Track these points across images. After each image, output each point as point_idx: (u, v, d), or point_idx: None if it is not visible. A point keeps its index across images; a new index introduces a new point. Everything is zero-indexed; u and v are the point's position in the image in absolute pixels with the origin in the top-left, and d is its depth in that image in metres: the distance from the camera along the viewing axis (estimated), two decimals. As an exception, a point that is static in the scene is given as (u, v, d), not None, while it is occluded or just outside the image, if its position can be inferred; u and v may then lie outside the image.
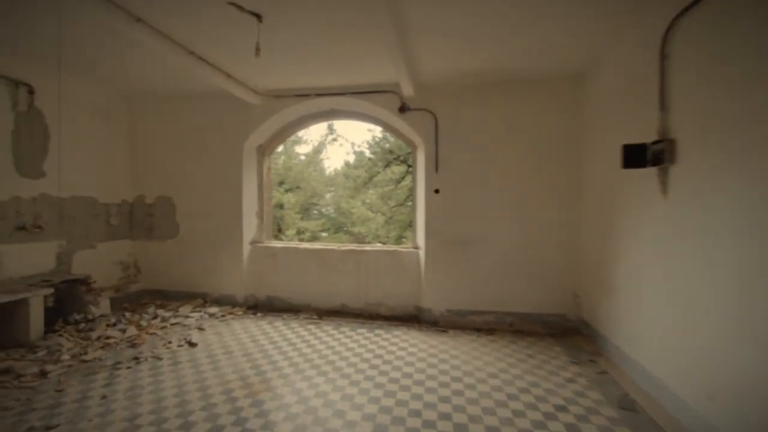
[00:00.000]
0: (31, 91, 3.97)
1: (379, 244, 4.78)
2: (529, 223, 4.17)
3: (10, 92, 3.82)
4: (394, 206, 9.95)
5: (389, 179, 10.02)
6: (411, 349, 3.53)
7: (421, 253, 4.54)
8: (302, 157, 17.09)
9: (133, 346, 3.51)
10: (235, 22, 2.87)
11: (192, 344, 3.55)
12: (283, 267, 4.91)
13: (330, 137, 16.91)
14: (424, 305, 4.42)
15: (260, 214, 5.20)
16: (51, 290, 3.67)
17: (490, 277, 4.24)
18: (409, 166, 9.50)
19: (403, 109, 4.33)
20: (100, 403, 2.51)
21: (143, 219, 5.25)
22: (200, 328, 4.02)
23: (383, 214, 10.98)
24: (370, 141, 10.24)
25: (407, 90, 4.06)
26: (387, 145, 9.79)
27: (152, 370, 3.02)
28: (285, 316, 4.51)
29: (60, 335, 3.59)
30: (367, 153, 10.59)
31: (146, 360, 3.20)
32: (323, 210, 18.41)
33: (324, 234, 17.56)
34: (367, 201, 11.90)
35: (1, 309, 3.39)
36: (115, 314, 4.35)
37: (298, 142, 16.95)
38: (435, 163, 4.34)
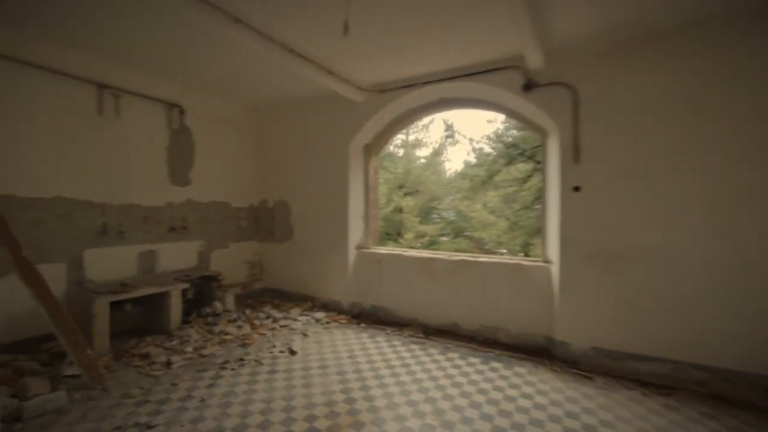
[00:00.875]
0: (181, 111, 4.60)
1: (497, 257, 3.94)
2: (740, 231, 2.75)
3: (166, 113, 4.47)
4: (518, 210, 8.73)
5: (512, 179, 8.80)
6: (539, 399, 2.65)
7: (554, 268, 3.53)
8: (422, 161, 17.00)
9: (244, 345, 3.61)
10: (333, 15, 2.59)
11: (292, 352, 3.45)
12: (388, 275, 4.55)
13: (449, 139, 16.36)
14: (557, 337, 3.40)
15: (366, 218, 4.97)
16: (187, 285, 4.12)
17: (667, 309, 2.96)
18: (538, 162, 8.14)
19: (528, 86, 3.44)
20: (197, 407, 2.51)
21: (266, 222, 5.65)
22: (304, 334, 3.95)
23: (507, 219, 9.77)
24: (491, 135, 9.20)
25: (534, 61, 3.18)
26: (509, 139, 8.63)
27: (251, 377, 2.97)
28: (388, 331, 4.11)
29: (191, 327, 3.98)
30: (487, 148, 9.59)
31: (249, 363, 3.20)
32: (443, 213, 17.91)
33: (444, 238, 17.03)
34: (489, 204, 10.82)
35: (153, 299, 3.94)
36: (238, 310, 4.69)
37: (419, 145, 16.95)
38: (574, 152, 3.31)
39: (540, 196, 4.07)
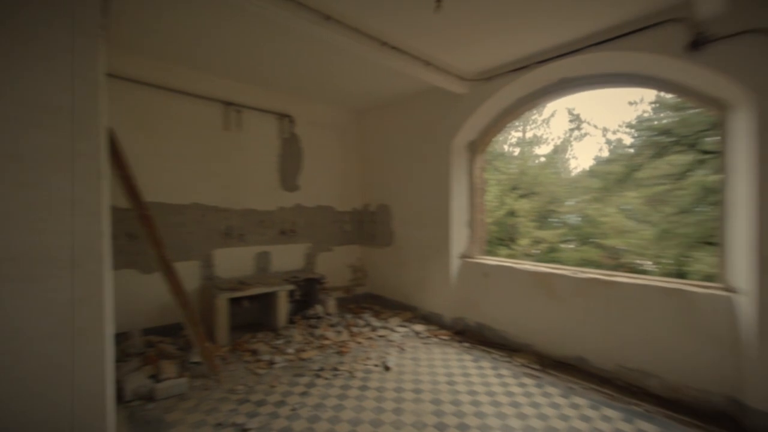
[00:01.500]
0: (291, 120, 4.90)
1: (644, 277, 3.02)
2: None
3: (278, 123, 4.81)
4: (671, 214, 6.83)
5: (662, 175, 6.94)
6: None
7: (745, 301, 2.47)
8: (541, 159, 15.26)
9: (340, 353, 3.55)
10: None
11: (387, 368, 3.23)
12: (496, 290, 3.97)
13: (574, 132, 14.30)
14: (752, 402, 2.35)
15: (471, 224, 4.47)
16: (292, 286, 4.32)
17: None
18: (704, 152, 6.25)
19: (698, 43, 2.49)
20: (288, 416, 2.47)
21: (368, 226, 5.64)
22: (401, 348, 3.70)
23: (653, 225, 7.81)
24: (632, 122, 7.42)
25: (709, 4, 2.27)
26: (661, 123, 6.77)
27: (342, 390, 2.84)
28: (496, 355, 3.55)
29: (295, 327, 4.14)
30: (627, 139, 7.77)
31: (342, 374, 3.10)
32: (565, 217, 15.75)
33: (567, 246, 14.91)
34: (627, 206, 8.86)
35: (265, 297, 4.24)
36: (339, 314, 4.73)
37: (537, 142, 15.30)
38: (781, 131, 2.24)
39: (709, 196, 2.95)
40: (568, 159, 15.88)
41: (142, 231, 3.32)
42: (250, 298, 4.13)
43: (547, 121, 15.33)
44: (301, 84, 4.40)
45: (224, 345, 3.64)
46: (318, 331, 4.02)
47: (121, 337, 3.38)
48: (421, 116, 4.69)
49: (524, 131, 15.58)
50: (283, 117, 4.83)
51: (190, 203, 4.09)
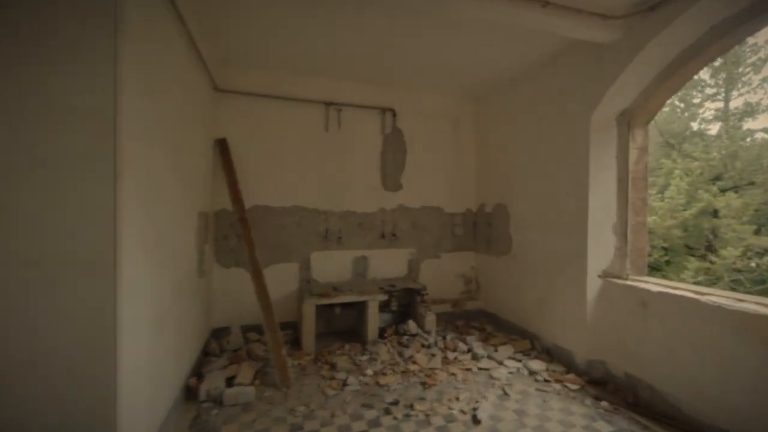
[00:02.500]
0: (394, 114, 4.52)
1: None
2: None
3: (380, 119, 4.50)
4: None
5: None
6: None
7: None
8: (757, 136, 10.68)
9: (424, 384, 2.93)
10: None
11: (476, 420, 2.44)
12: (662, 329, 2.61)
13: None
14: None
15: (621, 229, 3.12)
16: (386, 296, 3.91)
17: None
18: None
19: None
20: (332, 462, 2.04)
21: (484, 230, 4.76)
22: (504, 391, 2.81)
23: None
24: None
25: None
26: None
27: (407, 440, 2.24)
28: (655, 430, 2.29)
29: (385, 343, 3.71)
30: None
31: (415, 417, 2.48)
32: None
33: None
34: None
35: (358, 306, 3.97)
36: (441, 332, 4.06)
37: (751, 112, 10.72)
38: None
39: None
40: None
41: (242, 233, 3.49)
42: (343, 305, 3.92)
43: (767, 81, 10.58)
44: (404, 72, 4.00)
45: (309, 353, 3.50)
46: (408, 352, 3.48)
47: (221, 332, 3.63)
48: (549, 87, 3.60)
49: (726, 99, 11.13)
50: (386, 111, 4.48)
51: (291, 206, 4.17)
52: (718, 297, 2.40)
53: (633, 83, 2.90)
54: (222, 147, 3.79)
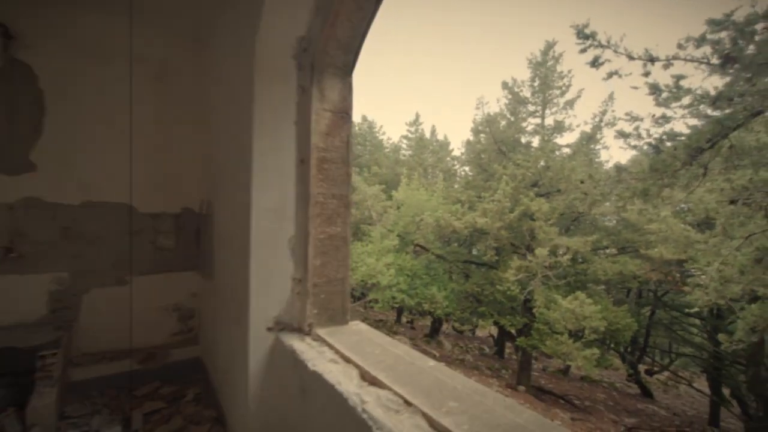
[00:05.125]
0: (6, 35, 2.54)
1: None
2: None
3: (-11, 48, 2.48)
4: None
5: (758, 145, 3.78)
6: None
7: None
8: (565, 150, 12.03)
9: None
10: None
11: None
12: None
13: (610, 111, 11.03)
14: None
15: (300, 248, 1.84)
16: None
17: None
18: None
19: None
20: None
21: (203, 240, 3.18)
22: None
23: (740, 236, 4.65)
24: (713, 33, 4.21)
25: None
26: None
27: None
28: None
29: None
30: (696, 77, 4.68)
31: None
32: (601, 221, 12.40)
33: (608, 257, 11.54)
34: (697, 205, 5.70)
35: None
36: (76, 425, 2.30)
37: (560, 129, 12.00)
38: None
39: None
40: (598, 150, 12.55)
41: None
42: None
43: (571, 104, 12.08)
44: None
45: None
46: None
47: None
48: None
49: (543, 116, 12.38)
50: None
51: None
52: (391, 394, 1.22)
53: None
54: None
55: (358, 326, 1.87)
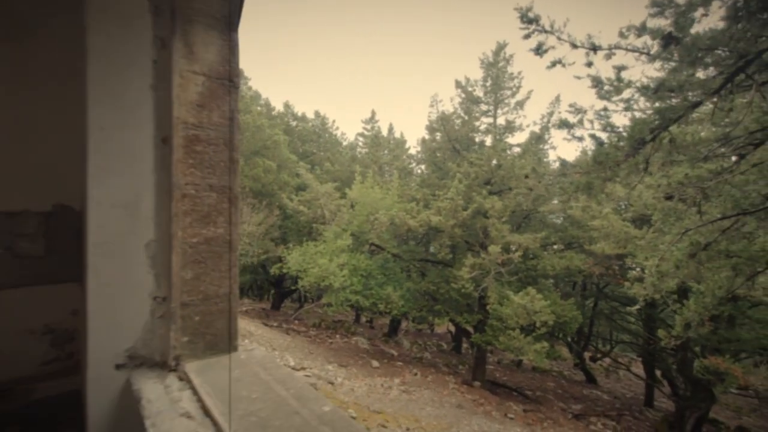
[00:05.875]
0: None
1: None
2: None
3: None
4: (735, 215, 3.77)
5: (718, 139, 3.85)
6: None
7: None
8: (515, 149, 12.29)
9: None
10: None
11: None
12: None
13: (557, 113, 11.38)
14: None
15: (162, 256, 1.39)
16: None
17: None
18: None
19: None
20: None
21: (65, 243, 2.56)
22: None
23: (675, 232, 4.85)
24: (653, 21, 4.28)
25: None
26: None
27: None
28: None
29: None
30: (635, 69, 4.69)
31: None
32: (549, 218, 12.82)
33: (556, 252, 11.94)
34: (634, 202, 5.91)
35: None
36: None
37: (511, 129, 12.23)
38: None
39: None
40: (546, 150, 12.94)
41: None
42: None
43: (521, 104, 12.37)
44: None
45: None
46: None
47: None
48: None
49: (495, 116, 12.57)
50: None
51: None
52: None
53: None
54: None
55: (248, 354, 1.45)
